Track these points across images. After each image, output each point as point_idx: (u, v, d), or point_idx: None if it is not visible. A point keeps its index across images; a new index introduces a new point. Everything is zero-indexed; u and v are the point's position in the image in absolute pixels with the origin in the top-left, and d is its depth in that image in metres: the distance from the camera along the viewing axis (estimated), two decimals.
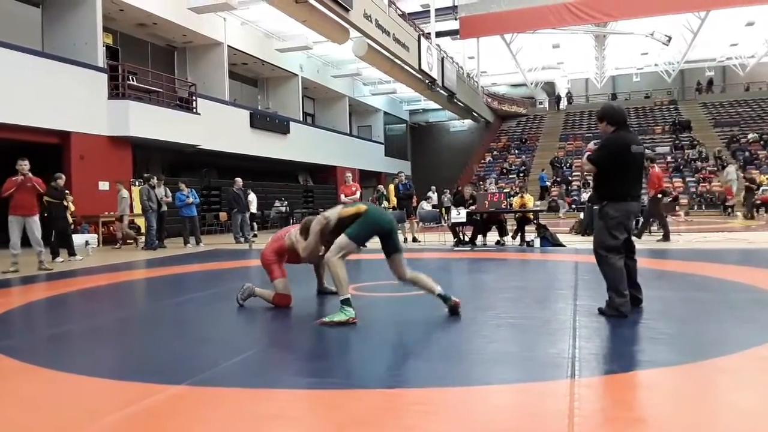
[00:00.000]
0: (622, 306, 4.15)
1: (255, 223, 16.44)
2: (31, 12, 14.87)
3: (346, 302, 4.29)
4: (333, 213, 4.56)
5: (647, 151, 28.09)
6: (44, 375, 3.16)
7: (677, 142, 29.43)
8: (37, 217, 8.71)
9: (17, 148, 13.76)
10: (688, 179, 25.62)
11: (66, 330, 4.52)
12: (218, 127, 17.80)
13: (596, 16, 25.28)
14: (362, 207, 4.55)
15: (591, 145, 4.50)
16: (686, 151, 28.23)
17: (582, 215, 13.96)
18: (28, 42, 13.78)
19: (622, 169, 4.20)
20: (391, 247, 4.57)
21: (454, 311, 4.48)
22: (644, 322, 4.13)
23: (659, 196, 11.47)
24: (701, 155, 27.12)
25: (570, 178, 26.94)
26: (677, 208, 14.87)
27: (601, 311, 4.24)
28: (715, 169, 25.67)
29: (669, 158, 27.71)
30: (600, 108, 4.52)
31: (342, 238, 4.37)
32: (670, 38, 28.92)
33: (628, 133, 4.33)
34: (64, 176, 10.43)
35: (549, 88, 39.85)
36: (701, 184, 24.91)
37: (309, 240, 4.67)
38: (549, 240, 10.47)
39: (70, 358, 3.63)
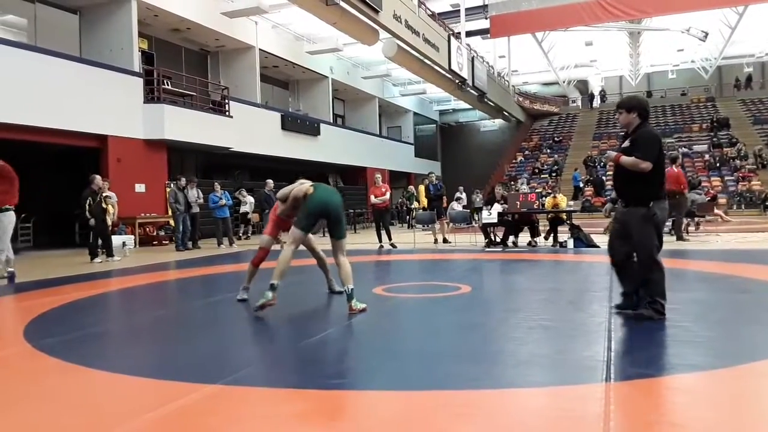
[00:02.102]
0: (664, 307, 4.09)
1: None
2: (69, 19, 15.28)
3: (271, 287, 4.59)
4: (301, 189, 4.99)
5: (684, 149, 27.56)
6: (82, 373, 3.24)
7: (715, 140, 28.69)
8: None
9: (57, 152, 14.20)
10: (726, 178, 24.95)
11: (103, 329, 4.63)
12: (250, 130, 18.02)
13: (630, 12, 24.82)
14: (310, 189, 4.87)
15: (610, 153, 4.31)
16: (725, 149, 27.51)
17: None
18: (67, 48, 14.17)
19: (662, 165, 4.13)
20: (333, 232, 4.83)
21: (351, 310, 4.61)
22: (682, 324, 4.04)
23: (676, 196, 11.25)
24: (740, 153, 26.39)
25: (603, 178, 26.50)
26: (715, 207, 14.47)
27: (639, 316, 4.07)
28: (755, 167, 24.95)
29: (707, 156, 27.03)
30: (628, 97, 4.40)
31: (292, 229, 4.85)
32: (706, 34, 28.21)
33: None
34: (98, 177, 10.64)
35: (582, 86, 39.26)
36: (740, 183, 24.23)
37: (285, 205, 5.21)
38: (583, 241, 10.32)
39: (106, 357, 3.71)
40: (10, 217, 7.55)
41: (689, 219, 13.38)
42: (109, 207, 10.91)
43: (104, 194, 10.66)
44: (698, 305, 4.81)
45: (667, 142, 29.37)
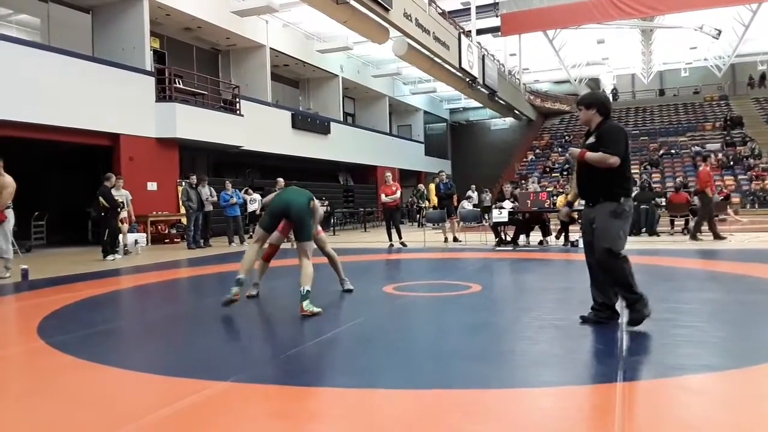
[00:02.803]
0: (647, 304, 3.81)
1: None
2: (82, 18, 15.39)
3: (237, 282, 4.82)
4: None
5: (697, 148, 27.33)
6: (95, 370, 3.27)
7: (728, 138, 28.44)
8: None
9: (70, 151, 14.32)
10: (740, 177, 24.73)
11: (116, 326, 4.66)
12: (261, 128, 18.08)
13: (642, 10, 24.61)
14: (278, 191, 5.12)
15: (573, 150, 4.15)
16: (738, 148, 27.25)
17: None
18: (80, 47, 14.28)
19: (629, 161, 3.96)
20: (296, 234, 4.94)
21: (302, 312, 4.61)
22: (695, 325, 4.01)
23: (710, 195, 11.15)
24: (753, 152, 26.13)
25: None
26: (728, 207, 14.35)
27: (633, 321, 3.80)
28: None
29: (720, 155, 26.80)
30: (587, 94, 4.22)
31: (256, 227, 5.17)
32: (720, 32, 27.93)
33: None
34: (113, 175, 10.75)
35: (594, 84, 38.98)
36: (754, 182, 24.00)
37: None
38: None
39: (119, 354, 3.74)
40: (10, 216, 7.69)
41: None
42: (129, 204, 11.05)
43: (114, 193, 10.79)
44: (711, 305, 4.77)
45: (679, 141, 29.17)
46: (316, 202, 5.09)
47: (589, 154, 3.88)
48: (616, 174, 3.86)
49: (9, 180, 7.66)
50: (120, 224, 10.93)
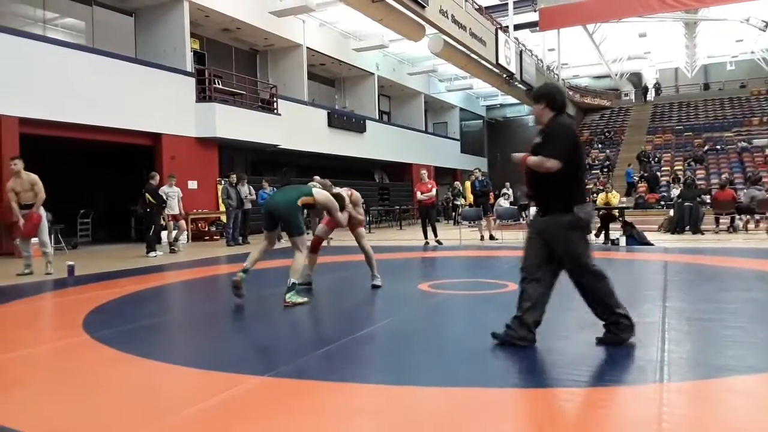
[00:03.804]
0: (628, 329, 3.38)
1: None
2: (124, 21, 15.80)
3: (243, 270, 5.20)
4: None
5: (744, 143, 26.43)
6: (138, 363, 3.36)
7: None
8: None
9: (114, 150, 14.72)
10: None
11: (158, 321, 4.78)
12: (297, 127, 18.25)
13: (686, 2, 23.89)
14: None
15: (514, 155, 3.62)
16: None
17: (672, 212, 13.30)
18: (123, 49, 14.66)
19: (576, 163, 3.38)
20: (285, 229, 5.21)
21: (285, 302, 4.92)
22: (739, 325, 3.89)
23: None
24: None
25: (658, 174, 25.71)
26: None
27: (605, 341, 3.39)
28: None
29: (767, 151, 25.85)
30: (538, 86, 3.69)
31: None
32: (767, 23, 26.93)
33: (570, 120, 3.63)
34: (158, 175, 11.06)
35: (635, 78, 38.11)
36: None
37: None
38: (636, 238, 10.04)
39: (161, 348, 3.84)
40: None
41: (749, 216, 12.87)
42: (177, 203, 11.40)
43: (167, 191, 11.20)
44: (756, 305, 4.62)
45: (725, 137, 28.27)
46: (315, 192, 5.36)
47: (530, 159, 3.40)
48: (566, 179, 3.33)
49: (36, 177, 7.88)
50: (170, 221, 11.33)
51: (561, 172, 3.29)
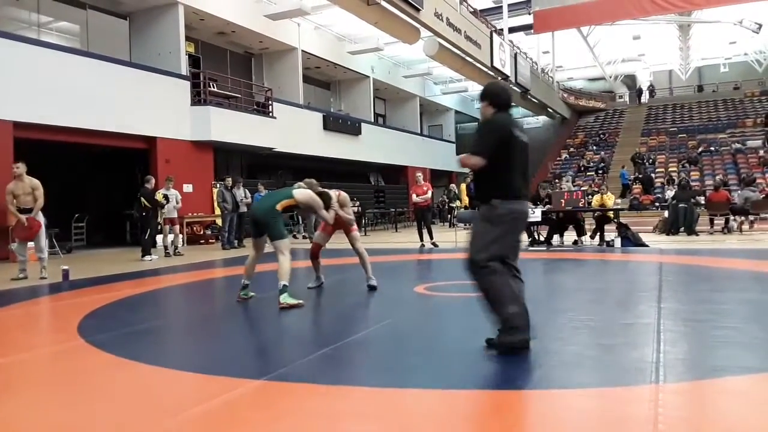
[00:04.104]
0: (517, 332, 3.26)
1: None
2: (119, 24, 15.77)
3: (242, 285, 5.55)
4: None
5: (738, 145, 26.54)
6: (133, 368, 3.34)
7: None
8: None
9: (109, 153, 14.69)
10: None
11: (153, 325, 4.76)
12: (293, 130, 18.25)
13: (679, 5, 24.02)
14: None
15: (459, 156, 3.52)
16: None
17: (666, 213, 13.35)
18: (118, 53, 14.63)
19: (507, 159, 3.36)
20: (267, 234, 5.37)
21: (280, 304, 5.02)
22: (734, 326, 3.90)
23: None
24: None
25: (653, 175, 25.80)
26: None
27: (493, 345, 3.36)
28: None
29: (761, 152, 25.97)
30: (485, 85, 3.70)
31: None
32: (760, 26, 27.10)
33: (509, 117, 3.52)
34: (153, 178, 11.05)
35: (629, 81, 38.30)
36: None
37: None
38: (631, 240, 10.07)
39: (156, 352, 3.82)
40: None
41: (743, 217, 12.92)
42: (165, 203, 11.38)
43: (165, 192, 11.20)
44: (751, 306, 4.64)
45: (719, 138, 28.39)
46: (296, 192, 5.47)
47: (460, 156, 3.44)
48: (492, 174, 3.35)
49: (38, 182, 7.89)
50: (166, 225, 11.31)
51: (488, 168, 3.32)
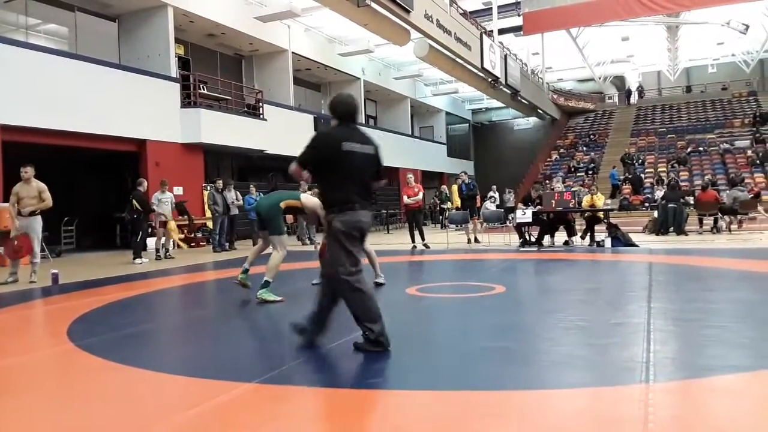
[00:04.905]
0: (382, 334, 3.45)
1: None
2: (108, 26, 15.69)
3: (243, 270, 5.90)
4: None
5: (726, 145, 26.75)
6: (124, 371, 3.32)
7: (758, 135, 27.77)
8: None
9: (98, 156, 14.60)
10: None
11: (143, 329, 4.74)
12: (284, 132, 18.20)
13: (667, 6, 24.19)
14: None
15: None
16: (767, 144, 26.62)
17: (656, 213, 13.44)
18: (106, 55, 14.56)
19: (335, 171, 3.45)
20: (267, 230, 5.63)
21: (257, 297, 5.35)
22: (723, 325, 3.93)
23: None
24: None
25: (642, 175, 25.96)
26: (759, 205, 14.03)
27: (357, 347, 3.50)
28: None
29: (749, 152, 26.20)
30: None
31: None
32: (747, 26, 27.33)
33: (345, 129, 3.56)
34: (145, 181, 11.00)
35: (618, 82, 38.51)
36: None
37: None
38: (621, 240, 10.12)
39: (147, 356, 3.80)
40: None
41: (732, 217, 13.03)
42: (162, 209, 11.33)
43: (160, 197, 11.20)
44: (740, 305, 4.67)
45: (707, 138, 28.61)
46: (303, 197, 5.78)
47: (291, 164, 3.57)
48: (326, 187, 3.55)
49: (44, 186, 7.87)
50: (159, 228, 11.26)
51: (320, 181, 3.58)
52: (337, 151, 3.43)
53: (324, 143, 3.51)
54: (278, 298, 5.34)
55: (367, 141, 3.61)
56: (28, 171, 7.79)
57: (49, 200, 7.82)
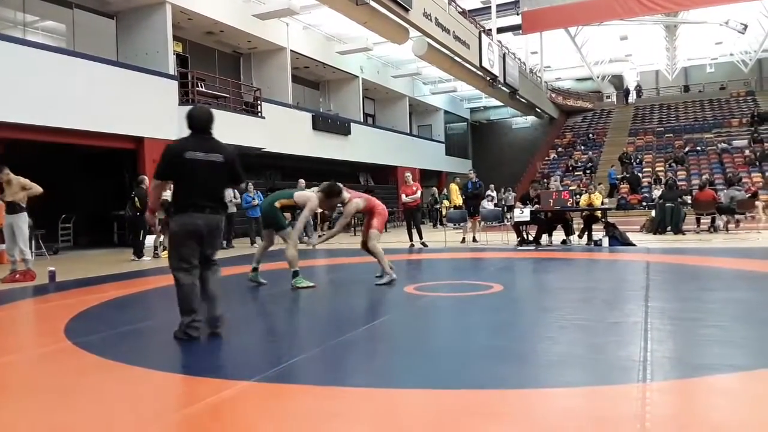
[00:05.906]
0: (189, 326, 3.88)
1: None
2: (106, 23, 15.63)
3: (253, 269, 6.33)
4: None
5: (723, 145, 26.79)
6: (121, 369, 3.31)
7: (756, 135, 27.84)
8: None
9: (95, 154, 14.57)
10: (767, 173, 24.21)
11: (141, 327, 4.73)
12: (282, 130, 18.19)
13: (666, 5, 24.19)
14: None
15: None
16: (765, 144, 26.67)
17: (653, 213, 13.46)
18: (104, 52, 14.51)
19: (179, 178, 3.90)
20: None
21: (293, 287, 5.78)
22: (720, 324, 3.94)
23: None
24: None
25: (640, 175, 26.00)
26: (756, 204, 14.06)
27: (175, 336, 3.94)
28: None
29: (747, 152, 26.25)
30: None
31: None
32: (746, 26, 27.38)
33: (193, 139, 3.97)
34: (147, 179, 10.97)
35: (617, 81, 38.55)
36: None
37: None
38: (618, 239, 10.14)
39: (144, 354, 3.79)
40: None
41: (729, 216, 13.05)
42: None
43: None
44: (737, 305, 4.68)
45: (705, 138, 28.66)
46: (297, 194, 6.07)
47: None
48: (173, 190, 4.05)
49: (26, 180, 7.77)
50: (157, 226, 11.21)
51: (173, 185, 3.97)
52: (180, 159, 3.83)
53: (170, 153, 3.91)
54: (311, 284, 5.81)
55: (216, 149, 4.02)
56: (3, 175, 7.63)
57: (35, 187, 7.72)
